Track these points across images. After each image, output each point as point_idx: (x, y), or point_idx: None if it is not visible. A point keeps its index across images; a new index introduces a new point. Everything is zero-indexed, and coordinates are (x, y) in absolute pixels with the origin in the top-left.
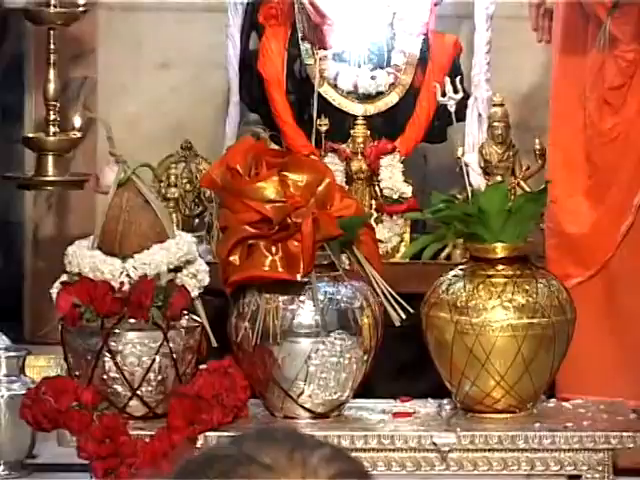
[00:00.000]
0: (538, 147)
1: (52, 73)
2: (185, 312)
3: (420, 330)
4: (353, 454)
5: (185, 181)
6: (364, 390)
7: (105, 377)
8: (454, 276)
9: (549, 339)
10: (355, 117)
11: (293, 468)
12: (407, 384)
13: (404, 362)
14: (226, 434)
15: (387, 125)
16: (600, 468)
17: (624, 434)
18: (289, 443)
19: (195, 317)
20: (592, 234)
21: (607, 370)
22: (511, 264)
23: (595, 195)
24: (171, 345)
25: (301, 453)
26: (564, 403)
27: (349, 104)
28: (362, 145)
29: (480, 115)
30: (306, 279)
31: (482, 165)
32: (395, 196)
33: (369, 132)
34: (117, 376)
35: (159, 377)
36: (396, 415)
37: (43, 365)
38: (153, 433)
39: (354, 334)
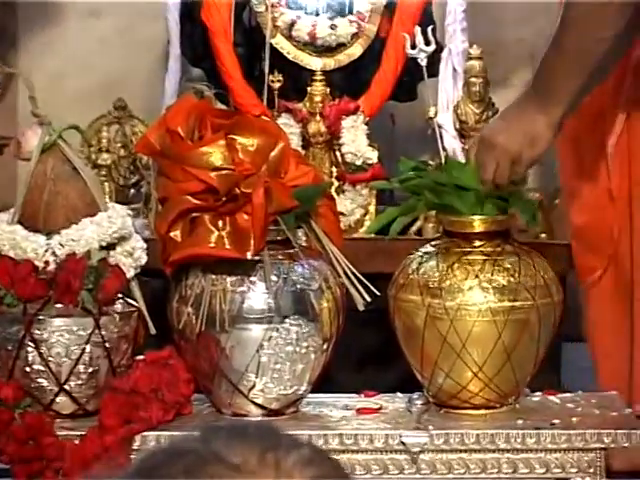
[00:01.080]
0: None
1: None
2: (119, 295)
3: (387, 315)
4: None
5: (119, 146)
6: (324, 383)
7: (28, 370)
8: (425, 253)
9: (534, 324)
10: (313, 72)
11: (264, 470)
12: (373, 376)
13: (369, 351)
14: (166, 434)
15: (349, 82)
16: (591, 470)
17: (618, 432)
18: (263, 442)
19: (131, 301)
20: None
21: None
22: (490, 240)
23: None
24: (103, 333)
25: (275, 454)
26: (550, 397)
27: (306, 57)
28: (321, 104)
29: (455, 70)
30: (257, 257)
31: (457, 127)
32: (358, 162)
33: (328, 90)
34: (42, 369)
35: (90, 369)
36: (360, 411)
37: None
38: (83, 433)
39: (312, 320)
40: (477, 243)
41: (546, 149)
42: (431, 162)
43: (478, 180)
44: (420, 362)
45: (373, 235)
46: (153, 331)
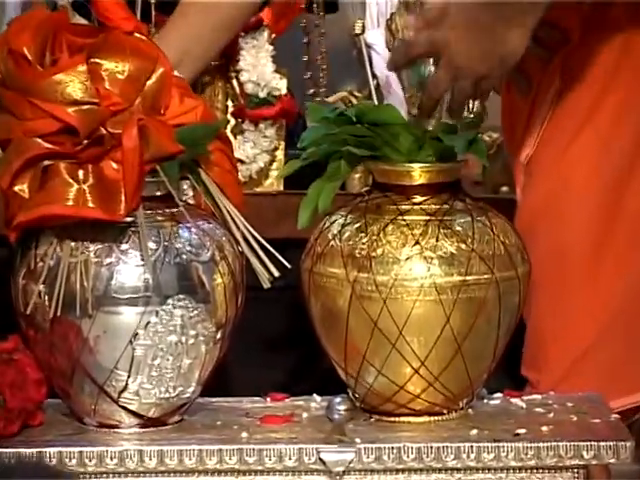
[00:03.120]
0: None
1: None
2: None
3: (300, 294)
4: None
5: None
6: (218, 383)
7: None
8: (350, 213)
9: (492, 305)
10: None
11: None
12: (282, 374)
13: (277, 342)
14: (10, 451)
15: None
16: None
17: (602, 444)
18: None
19: None
20: None
21: None
22: (435, 194)
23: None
24: None
25: None
26: (514, 400)
27: None
28: None
29: None
30: (130, 219)
31: (392, 46)
32: (262, 94)
33: None
34: None
35: None
36: (266, 420)
37: None
38: None
39: (202, 300)
40: (417, 199)
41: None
42: (357, 93)
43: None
44: (344, 355)
45: (282, 189)
46: None
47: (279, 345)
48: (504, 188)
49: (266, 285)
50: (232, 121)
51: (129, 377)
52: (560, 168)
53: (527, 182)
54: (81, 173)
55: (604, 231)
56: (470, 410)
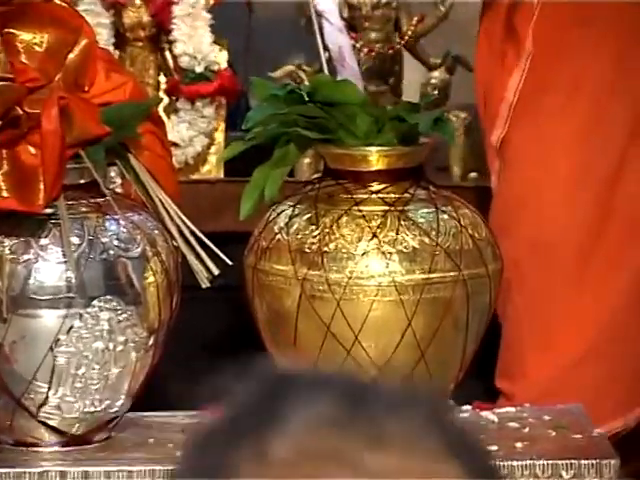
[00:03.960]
0: None
1: None
2: None
3: (244, 294)
4: None
5: None
6: (151, 395)
7: None
8: (299, 203)
9: (459, 306)
10: None
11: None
12: (224, 384)
13: (218, 348)
14: None
15: None
16: None
17: (583, 462)
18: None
19: None
20: None
21: None
22: (394, 182)
23: None
24: None
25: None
26: (485, 413)
27: None
28: None
29: None
30: (50, 210)
31: (345, 15)
32: (199, 68)
33: None
34: None
35: None
36: None
37: None
38: None
39: (132, 302)
40: (375, 187)
41: None
42: (307, 68)
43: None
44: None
45: (222, 176)
46: None
47: (219, 352)
48: (472, 174)
49: (204, 284)
50: (165, 99)
51: (50, 389)
52: (540, 153)
53: (502, 168)
54: None
55: (595, 231)
56: None
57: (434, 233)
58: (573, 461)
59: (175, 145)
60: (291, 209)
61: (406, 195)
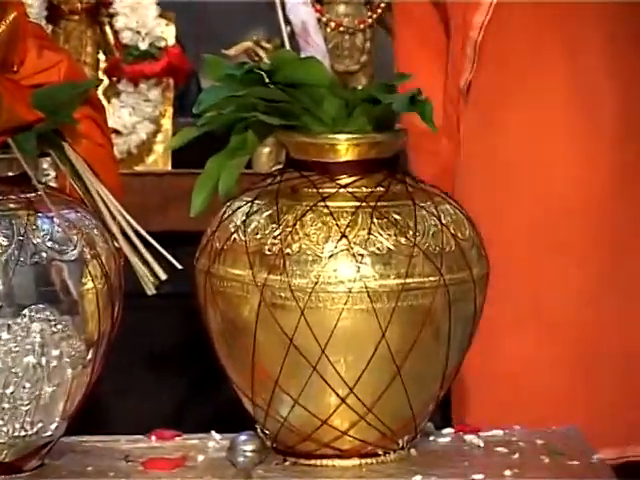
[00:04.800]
0: None
1: None
2: None
3: (195, 302)
4: None
5: None
6: (90, 417)
7: None
8: (258, 199)
9: (440, 315)
10: None
11: None
12: (171, 405)
13: (165, 363)
14: None
15: None
16: None
17: None
18: None
19: None
20: None
21: None
22: (366, 174)
23: None
24: None
25: None
26: (469, 437)
27: None
28: None
29: None
30: None
31: None
32: (143, 45)
33: None
34: None
35: None
36: (151, 464)
37: None
38: None
39: (68, 312)
40: (344, 180)
41: None
42: (267, 44)
43: None
44: (250, 380)
45: (170, 168)
46: None
47: (168, 367)
48: None
49: (150, 291)
50: (105, 80)
51: None
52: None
53: (470, 113)
54: None
55: (552, 224)
56: (412, 450)
57: (411, 232)
58: None
59: (117, 132)
60: (249, 205)
61: (379, 189)
